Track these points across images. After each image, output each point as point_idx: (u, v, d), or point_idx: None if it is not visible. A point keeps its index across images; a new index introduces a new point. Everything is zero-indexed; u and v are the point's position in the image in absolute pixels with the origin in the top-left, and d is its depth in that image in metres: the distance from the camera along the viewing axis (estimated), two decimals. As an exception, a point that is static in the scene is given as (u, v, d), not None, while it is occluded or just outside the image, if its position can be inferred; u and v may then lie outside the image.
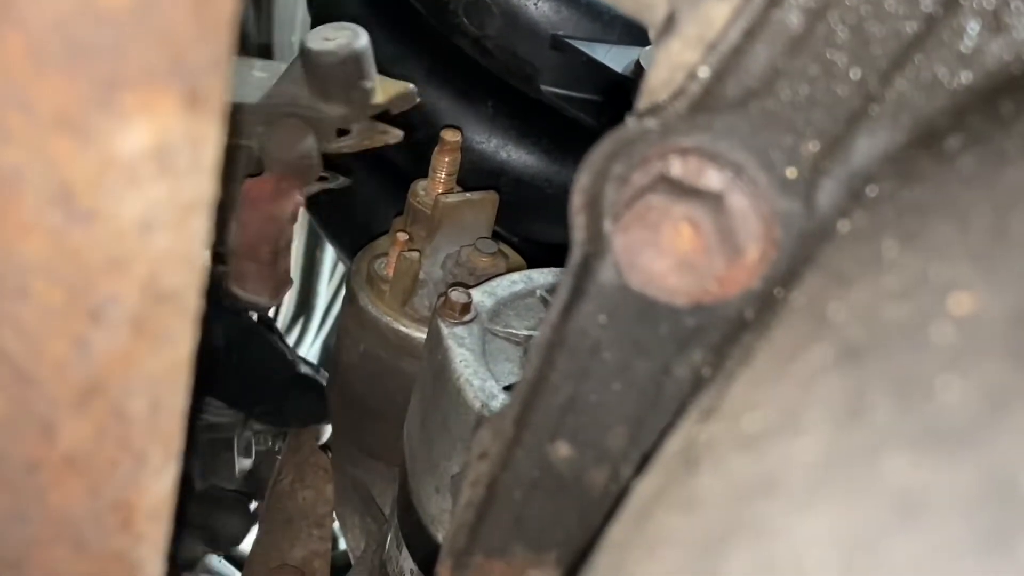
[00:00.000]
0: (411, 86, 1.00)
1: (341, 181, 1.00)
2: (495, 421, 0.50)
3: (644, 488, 0.33)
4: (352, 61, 0.95)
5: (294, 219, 0.97)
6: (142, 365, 0.32)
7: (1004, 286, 0.25)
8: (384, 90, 0.98)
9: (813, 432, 0.24)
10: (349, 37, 0.95)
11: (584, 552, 0.43)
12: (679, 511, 0.26)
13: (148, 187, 0.28)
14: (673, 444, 0.34)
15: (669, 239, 0.40)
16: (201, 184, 0.29)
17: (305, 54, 0.95)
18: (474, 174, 1.11)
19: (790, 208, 0.39)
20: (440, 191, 1.02)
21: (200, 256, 0.31)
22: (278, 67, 1.01)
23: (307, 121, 0.97)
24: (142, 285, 0.30)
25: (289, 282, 1.00)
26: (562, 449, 0.48)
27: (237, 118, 0.97)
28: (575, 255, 0.43)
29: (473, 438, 0.52)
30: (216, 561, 1.28)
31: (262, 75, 1.00)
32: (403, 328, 0.96)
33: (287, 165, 0.95)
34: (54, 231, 0.28)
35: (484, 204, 1.04)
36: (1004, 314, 0.24)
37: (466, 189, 1.04)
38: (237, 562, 1.32)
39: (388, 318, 0.96)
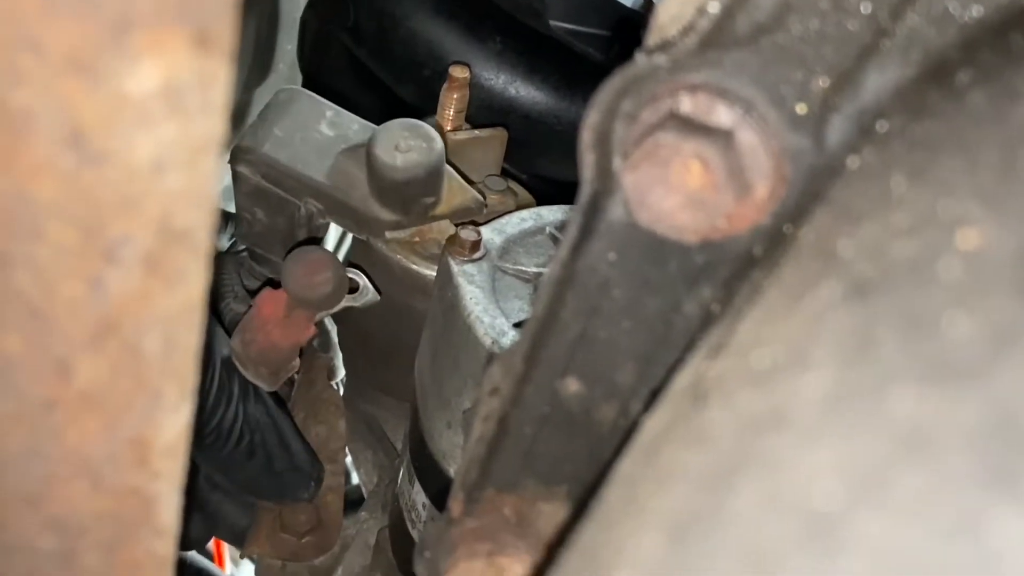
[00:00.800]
0: (478, 197, 0.95)
1: (370, 298, 0.93)
2: (505, 358, 0.50)
3: (653, 423, 0.33)
4: (418, 181, 0.89)
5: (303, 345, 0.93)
6: (156, 304, 0.32)
7: (1011, 222, 0.25)
8: (448, 200, 0.93)
9: (821, 368, 0.25)
10: (422, 152, 0.88)
11: (594, 486, 0.44)
12: (688, 445, 0.27)
13: (159, 127, 0.28)
14: (682, 380, 0.35)
15: (678, 176, 0.40)
16: (211, 124, 0.30)
17: (370, 156, 0.89)
18: (482, 111, 1.10)
19: (800, 144, 0.39)
20: (448, 128, 1.01)
21: (211, 196, 0.32)
22: (348, 125, 0.95)
23: (357, 217, 0.92)
24: (155, 225, 0.30)
25: (291, 374, 0.96)
26: (572, 385, 0.49)
27: (289, 181, 0.93)
28: (584, 193, 0.43)
29: (484, 375, 0.52)
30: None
31: (328, 134, 0.94)
32: (413, 266, 0.96)
33: (304, 301, 0.89)
34: (66, 172, 0.28)
35: (493, 141, 1.03)
36: (1011, 250, 0.24)
37: (474, 126, 1.03)
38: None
39: (398, 256, 0.96)
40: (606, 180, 0.42)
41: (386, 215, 0.92)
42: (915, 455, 0.22)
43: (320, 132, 0.94)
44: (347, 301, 0.91)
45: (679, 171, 0.40)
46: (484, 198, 0.97)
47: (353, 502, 1.10)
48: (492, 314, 0.80)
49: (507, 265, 0.86)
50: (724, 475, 0.24)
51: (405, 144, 0.88)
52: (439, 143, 0.90)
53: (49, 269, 0.30)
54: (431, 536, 0.55)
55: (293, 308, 0.88)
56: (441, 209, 0.93)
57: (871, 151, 0.34)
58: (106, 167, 0.28)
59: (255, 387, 0.93)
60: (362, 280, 0.92)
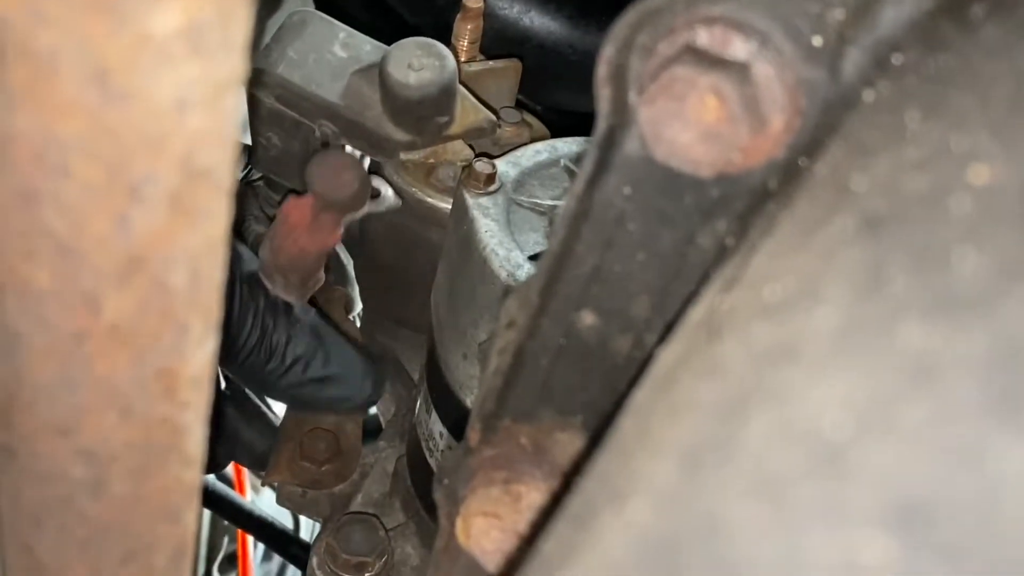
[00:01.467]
0: (491, 117, 0.94)
1: (392, 203, 0.93)
2: (521, 291, 0.51)
3: (668, 355, 0.34)
4: (431, 99, 0.89)
5: (330, 251, 0.93)
6: (181, 240, 0.33)
7: (1022, 157, 0.25)
8: (461, 120, 0.93)
9: (832, 301, 0.25)
10: (435, 70, 0.88)
11: (609, 416, 0.45)
12: (701, 377, 0.28)
13: (181, 66, 0.29)
14: (696, 313, 0.35)
15: (694, 110, 0.40)
16: (232, 63, 0.30)
17: (383, 75, 0.89)
18: (497, 42, 1.09)
19: (815, 77, 0.39)
20: (463, 59, 1.01)
21: (233, 134, 0.32)
22: (361, 47, 0.94)
23: (371, 137, 0.91)
24: (178, 163, 0.31)
25: (319, 285, 0.97)
26: (587, 318, 0.49)
27: (304, 103, 0.93)
28: (600, 127, 0.43)
29: (500, 308, 0.53)
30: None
31: (342, 55, 0.94)
32: (428, 199, 0.96)
33: (330, 203, 0.89)
34: (91, 111, 0.29)
35: (507, 72, 1.03)
36: (1021, 185, 0.24)
37: (489, 57, 1.03)
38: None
39: (413, 189, 0.96)
40: (622, 114, 0.42)
41: (399, 135, 0.92)
42: (922, 386, 0.22)
43: (333, 54, 0.94)
44: (369, 206, 0.91)
45: (695, 105, 0.40)
46: (500, 131, 0.97)
47: (371, 432, 1.11)
48: (507, 247, 0.80)
49: (522, 198, 0.86)
50: (736, 405, 0.25)
51: (418, 63, 0.89)
52: (452, 61, 0.90)
53: (76, 206, 0.31)
54: (449, 464, 0.56)
55: (319, 212, 0.89)
56: (454, 129, 0.94)
57: (886, 84, 0.34)
58: (130, 106, 0.29)
59: (284, 301, 0.94)
60: (384, 186, 0.93)
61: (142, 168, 0.30)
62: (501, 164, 0.87)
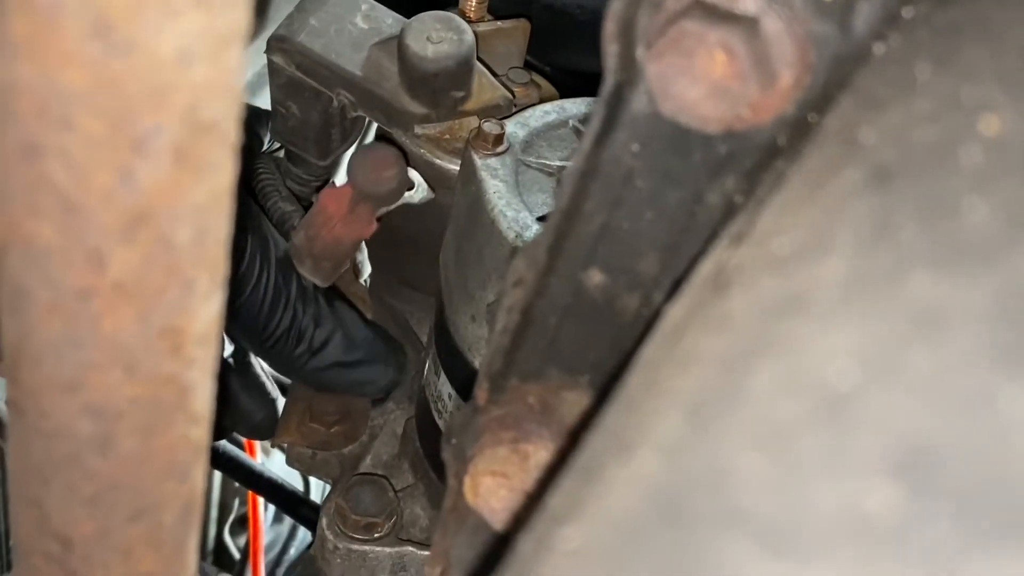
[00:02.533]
0: (507, 95, 0.94)
1: (425, 195, 0.93)
2: (529, 249, 0.51)
3: (676, 311, 0.34)
4: (448, 73, 0.89)
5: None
6: (186, 194, 0.32)
7: (1034, 107, 0.25)
8: (478, 96, 0.92)
9: (840, 252, 0.25)
10: (453, 44, 0.88)
11: (616, 375, 0.45)
12: (709, 330, 0.27)
13: (184, 18, 0.28)
14: (704, 269, 0.35)
15: (703, 66, 0.40)
16: (236, 16, 0.30)
17: (402, 47, 0.89)
18: (505, 2, 1.09)
19: (825, 32, 0.38)
20: (472, 19, 1.00)
21: (237, 88, 0.32)
22: (382, 19, 0.94)
23: (388, 109, 0.92)
24: (182, 116, 0.30)
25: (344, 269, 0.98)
26: (595, 276, 0.49)
27: (323, 72, 0.93)
28: (607, 83, 0.43)
29: (509, 267, 0.53)
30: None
31: (363, 27, 0.94)
32: (437, 160, 0.96)
33: (370, 196, 0.90)
34: (94, 62, 0.29)
35: (515, 33, 1.02)
36: (1032, 135, 0.24)
37: (497, 17, 1.02)
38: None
39: (422, 150, 0.96)
40: (630, 70, 0.42)
41: (416, 108, 0.92)
42: (929, 335, 0.22)
43: (355, 25, 0.94)
44: (404, 198, 0.92)
45: (703, 60, 0.40)
46: (513, 96, 0.96)
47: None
48: (516, 208, 0.80)
49: (530, 159, 0.85)
50: (743, 357, 0.25)
51: (437, 36, 0.88)
52: (471, 36, 0.89)
53: (80, 160, 0.30)
54: (457, 424, 0.56)
55: (357, 203, 0.90)
56: (470, 105, 0.93)
57: (896, 38, 0.34)
58: (133, 58, 0.29)
59: (312, 285, 0.95)
60: (417, 177, 0.93)
61: (146, 121, 0.30)
62: (509, 125, 0.86)
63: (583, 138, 0.45)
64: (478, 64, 0.93)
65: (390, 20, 0.95)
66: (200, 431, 0.40)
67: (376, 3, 0.96)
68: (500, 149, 0.84)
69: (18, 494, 0.42)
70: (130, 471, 0.39)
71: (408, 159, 0.94)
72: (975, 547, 0.20)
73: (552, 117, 0.89)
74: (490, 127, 0.84)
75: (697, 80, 0.40)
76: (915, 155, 0.26)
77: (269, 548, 1.74)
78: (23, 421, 0.38)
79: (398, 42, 0.89)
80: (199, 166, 0.32)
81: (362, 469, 1.01)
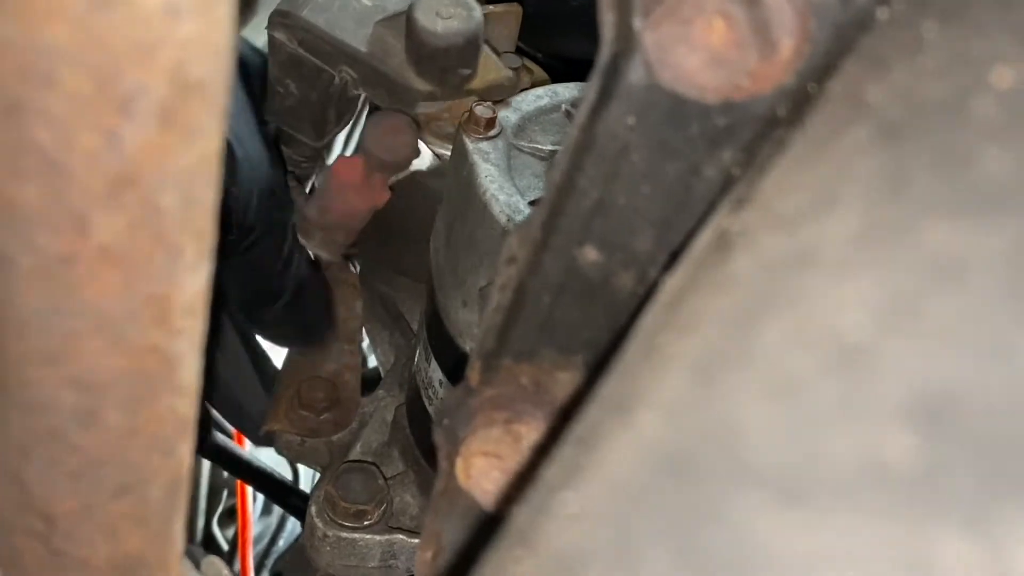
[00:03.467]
0: (511, 76, 0.94)
1: (432, 163, 0.94)
2: (523, 226, 0.50)
3: (674, 280, 0.33)
4: (456, 49, 0.89)
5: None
6: (173, 158, 0.32)
7: (1049, 57, 0.24)
8: (483, 75, 0.92)
9: (850, 206, 0.24)
10: (462, 19, 0.88)
11: (612, 352, 0.44)
12: (712, 292, 0.27)
13: (171, -30, 0.28)
14: (704, 237, 0.34)
15: (701, 34, 0.39)
16: (225, -31, 0.29)
17: (411, 21, 0.89)
18: (497, -13, 1.08)
19: (826, 0, 0.37)
20: (464, 4, 0.99)
21: (226, 47, 0.31)
22: None
23: (393, 86, 0.92)
24: (169, 74, 0.29)
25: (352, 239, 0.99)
26: (590, 253, 0.48)
27: (326, 48, 0.92)
28: (603, 55, 0.42)
29: (501, 249, 0.52)
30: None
31: (367, 3, 0.93)
32: (428, 146, 0.95)
33: (383, 163, 0.90)
34: (77, 16, 0.28)
35: (507, 17, 1.01)
36: (1048, 84, 0.23)
37: (489, 2, 1.01)
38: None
39: (413, 135, 0.95)
40: (626, 40, 0.41)
41: (421, 84, 0.91)
42: (947, 284, 0.21)
43: (359, 1, 0.94)
44: (414, 165, 0.93)
45: (702, 28, 0.39)
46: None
47: (371, 382, 1.11)
48: (507, 192, 0.79)
49: (522, 143, 0.85)
50: (750, 314, 0.24)
51: (446, 11, 0.88)
52: (479, 13, 0.89)
53: (64, 119, 0.29)
54: (449, 405, 0.56)
55: (371, 172, 0.90)
56: (475, 84, 0.93)
57: (901, 1, 0.33)
58: (117, 12, 0.28)
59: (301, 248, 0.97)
60: (422, 144, 0.93)
61: (132, 79, 0.29)
62: (501, 109, 0.86)
63: (578, 111, 0.44)
64: (484, 44, 0.92)
65: None
66: (187, 404, 0.39)
67: None
68: (492, 133, 0.83)
69: None
70: (115, 445, 0.38)
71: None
72: (996, 495, 0.19)
73: (544, 102, 0.88)
74: (482, 111, 0.83)
75: (695, 48, 0.39)
76: (925, 110, 0.25)
77: (257, 540, 1.74)
78: (3, 394, 0.37)
79: (407, 17, 0.89)
80: (186, 128, 0.31)
81: (352, 456, 1.00)
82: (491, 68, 0.93)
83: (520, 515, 0.27)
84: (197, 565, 0.51)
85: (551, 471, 0.28)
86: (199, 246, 0.35)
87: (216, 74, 0.31)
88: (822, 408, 0.21)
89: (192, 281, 0.35)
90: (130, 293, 0.34)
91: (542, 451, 0.47)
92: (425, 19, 0.88)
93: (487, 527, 0.52)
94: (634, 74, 0.42)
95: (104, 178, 0.31)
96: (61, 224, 0.32)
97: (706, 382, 0.24)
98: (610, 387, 0.29)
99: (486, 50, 0.93)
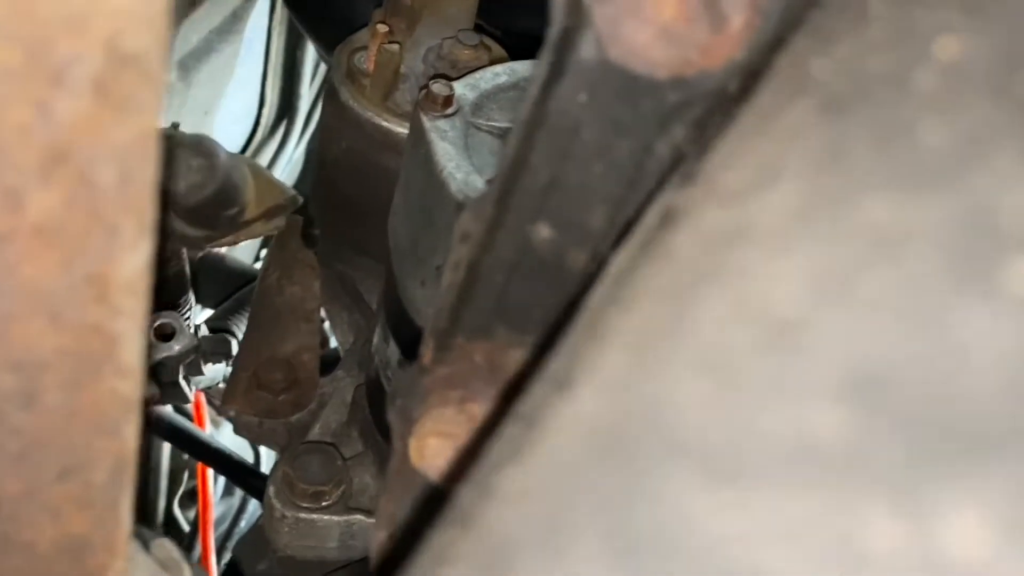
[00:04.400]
0: (291, 192, 0.97)
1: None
2: (476, 204, 0.49)
3: (622, 255, 0.33)
4: (208, 200, 0.91)
5: None
6: (108, 132, 0.31)
7: (991, 28, 0.24)
8: (258, 202, 0.95)
9: (791, 181, 0.24)
10: (204, 172, 0.90)
11: (562, 329, 0.44)
12: (653, 267, 0.26)
13: (102, -62, 0.27)
14: (651, 214, 0.34)
15: (652, 8, 0.39)
16: (159, -63, 0.28)
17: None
18: (456, -36, 1.07)
19: (777, -26, 0.37)
20: (422, -19, 0.99)
21: (162, 18, 0.30)
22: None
23: (172, 234, 0.94)
24: (104, 45, 0.29)
25: None
26: (543, 231, 0.48)
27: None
28: (554, 30, 0.42)
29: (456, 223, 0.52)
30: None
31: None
32: (385, 123, 0.94)
33: None
34: (5, -14, 0.27)
35: (466, -5, 1.01)
36: (991, 56, 0.23)
37: (447, -22, 1.01)
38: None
39: (370, 113, 0.94)
40: (577, 15, 0.41)
41: (195, 231, 0.94)
42: (883, 256, 0.21)
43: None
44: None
45: (652, 3, 0.39)
46: (456, 53, 0.95)
47: (330, 362, 1.10)
48: (465, 170, 0.79)
49: (480, 121, 0.84)
50: (687, 289, 0.24)
51: (186, 165, 0.91)
52: (223, 157, 0.92)
53: (-7, 92, 0.29)
54: (402, 384, 0.55)
55: None
56: (252, 212, 0.96)
57: (849, -25, 0.33)
58: (48, -19, 0.27)
59: None
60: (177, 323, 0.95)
61: (64, 50, 0.28)
62: (459, 87, 0.85)
63: (529, 87, 0.43)
64: (252, 168, 0.94)
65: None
66: (130, 385, 0.38)
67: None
68: (449, 111, 0.83)
69: (-61, 454, 0.40)
70: (57, 427, 0.38)
71: (353, 122, 0.94)
72: (923, 470, 0.19)
73: (502, 79, 0.88)
74: (439, 88, 0.82)
75: (646, 22, 0.39)
76: (869, 83, 0.25)
77: (219, 522, 1.72)
78: (-58, 375, 0.36)
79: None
80: (121, 102, 0.30)
81: (311, 437, 0.99)
82: (265, 193, 0.97)
83: (461, 495, 0.27)
84: (147, 547, 0.51)
85: (495, 447, 0.28)
86: (138, 224, 0.34)
87: (152, 46, 0.30)
88: (754, 384, 0.21)
89: (132, 259, 0.35)
90: (68, 271, 0.33)
91: (488, 429, 0.47)
92: (171, 182, 0.90)
93: (436, 506, 0.52)
94: (585, 50, 0.41)
95: (37, 153, 0.30)
96: (-6, 200, 0.31)
97: (643, 358, 0.23)
98: (555, 364, 0.29)
99: (257, 172, 0.97)
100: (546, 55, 0.42)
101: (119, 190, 0.32)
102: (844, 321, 0.21)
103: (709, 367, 0.22)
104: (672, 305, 0.24)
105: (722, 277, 0.23)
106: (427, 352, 0.54)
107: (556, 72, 0.42)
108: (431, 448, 0.53)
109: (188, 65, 1.47)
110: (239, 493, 1.76)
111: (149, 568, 0.50)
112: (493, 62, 0.95)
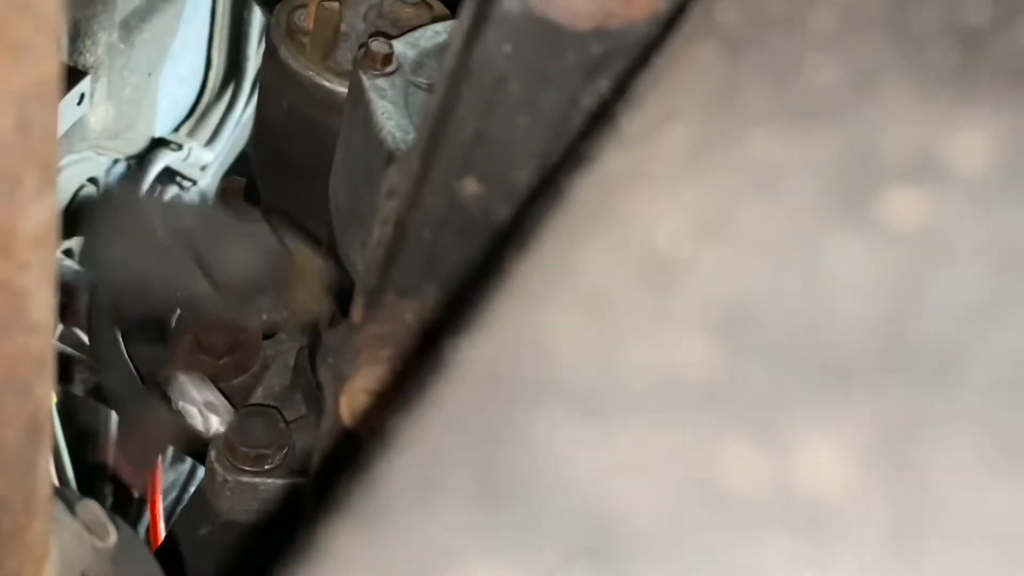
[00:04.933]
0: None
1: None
2: (403, 159, 0.49)
3: (536, 208, 0.32)
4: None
5: None
6: (4, 80, 0.30)
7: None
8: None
9: (685, 121, 0.24)
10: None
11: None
12: (553, 214, 0.26)
13: None
14: (568, 164, 0.34)
15: (573, -43, 0.38)
16: None
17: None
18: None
19: (698, -78, 0.37)
20: (362, -60, 0.97)
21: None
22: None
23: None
24: (-7, -11, 0.28)
25: None
26: (470, 186, 0.47)
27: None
28: (477, -21, 0.41)
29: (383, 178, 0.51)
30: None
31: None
32: (326, 83, 0.93)
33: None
34: None
35: (407, -48, 0.99)
36: (886, -6, 0.23)
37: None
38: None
39: (310, 72, 0.93)
40: (499, -36, 0.40)
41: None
42: (763, 192, 0.21)
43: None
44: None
45: (573, -48, 0.38)
46: (397, 11, 0.94)
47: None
48: (405, 129, 0.78)
49: (420, 80, 0.83)
50: (574, 232, 0.24)
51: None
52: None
53: None
54: (333, 343, 0.55)
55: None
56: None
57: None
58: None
59: None
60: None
61: (-50, -6, 0.27)
62: (399, 45, 0.84)
63: (452, 38, 0.43)
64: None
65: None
66: (41, 341, 0.37)
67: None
68: (389, 69, 0.82)
69: None
70: (-35, 386, 0.37)
71: (294, 81, 0.92)
72: (785, 404, 0.19)
73: (443, 38, 0.87)
74: (378, 47, 0.81)
75: (566, -28, 0.39)
76: (767, 24, 0.25)
77: (170, 489, 1.71)
78: None
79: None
80: (16, 47, 0.29)
81: (253, 400, 0.99)
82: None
83: (372, 447, 0.26)
84: (72, 509, 0.50)
85: (398, 399, 0.28)
86: (42, 175, 0.33)
87: (46, -8, 0.29)
88: (627, 322, 0.21)
89: (36, 212, 0.34)
90: (-32, 225, 0.33)
91: (401, 379, 0.47)
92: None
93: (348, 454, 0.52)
94: (509, 1, 0.41)
95: (-72, 101, 0.29)
96: None
97: (529, 300, 0.23)
98: (462, 314, 0.28)
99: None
100: (469, 5, 0.42)
101: (19, 140, 0.32)
102: (720, 258, 0.21)
103: (587, 306, 0.21)
104: (562, 247, 0.24)
105: (609, 219, 0.23)
106: (357, 310, 0.54)
107: (479, 23, 0.42)
108: (362, 405, 0.53)
109: (131, 25, 1.44)
110: (190, 462, 1.74)
111: (74, 530, 0.49)
112: (435, 20, 0.94)
